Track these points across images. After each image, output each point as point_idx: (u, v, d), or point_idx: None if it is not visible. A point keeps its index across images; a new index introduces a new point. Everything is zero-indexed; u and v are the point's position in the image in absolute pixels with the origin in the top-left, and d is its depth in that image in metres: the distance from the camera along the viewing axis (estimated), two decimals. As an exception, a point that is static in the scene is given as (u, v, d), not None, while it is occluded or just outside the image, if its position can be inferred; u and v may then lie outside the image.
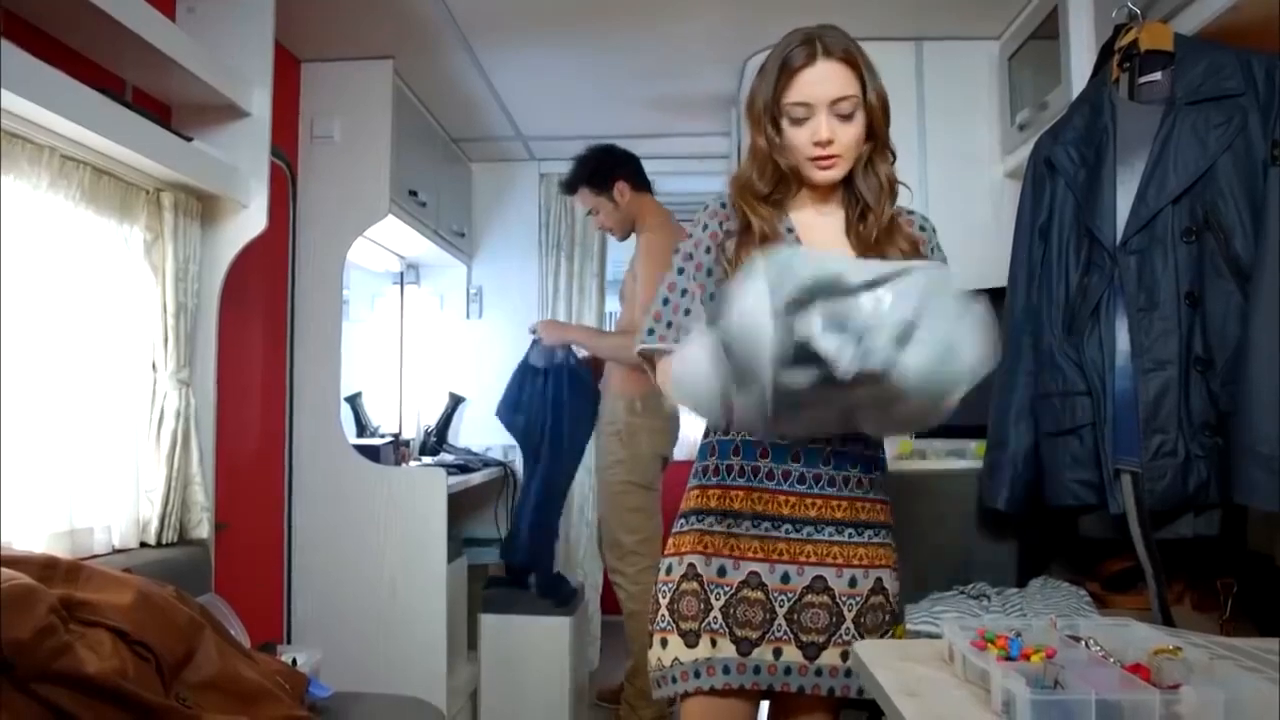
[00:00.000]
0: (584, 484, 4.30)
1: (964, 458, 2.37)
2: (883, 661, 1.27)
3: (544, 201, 4.41)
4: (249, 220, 2.45)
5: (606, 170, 3.33)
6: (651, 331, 1.63)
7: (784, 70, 1.58)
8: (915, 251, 1.64)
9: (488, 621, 3.51)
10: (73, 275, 2.03)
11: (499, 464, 4.12)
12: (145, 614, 1.63)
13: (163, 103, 2.41)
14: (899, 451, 2.55)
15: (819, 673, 1.58)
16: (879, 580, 1.63)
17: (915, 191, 2.97)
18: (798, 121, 1.57)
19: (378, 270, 4.09)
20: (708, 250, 1.65)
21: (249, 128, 2.47)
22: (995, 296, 2.19)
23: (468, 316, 4.41)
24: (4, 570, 1.45)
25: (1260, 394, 1.56)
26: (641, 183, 3.38)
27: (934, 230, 1.74)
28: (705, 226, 1.67)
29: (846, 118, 1.57)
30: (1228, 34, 1.82)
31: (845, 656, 1.57)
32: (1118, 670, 1.08)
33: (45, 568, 1.59)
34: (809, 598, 1.58)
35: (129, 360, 2.21)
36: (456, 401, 4.26)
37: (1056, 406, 1.92)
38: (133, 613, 1.61)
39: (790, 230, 1.64)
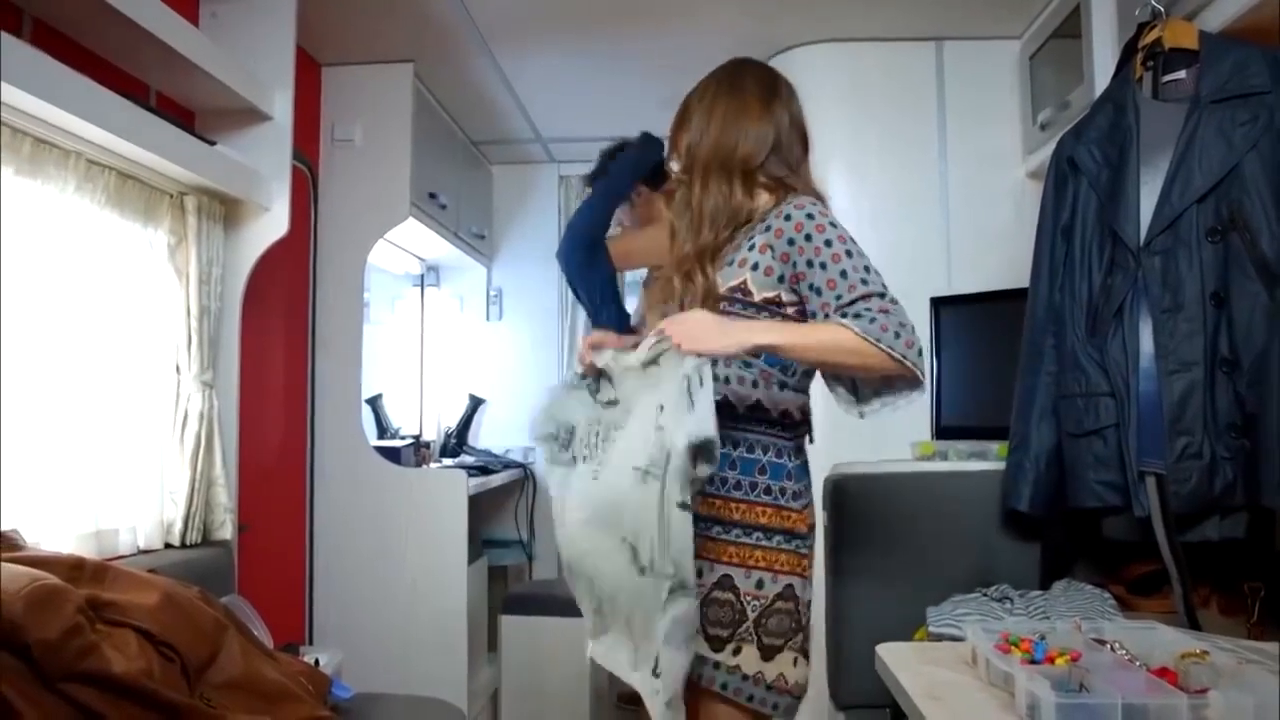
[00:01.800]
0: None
1: (986, 459, 2.35)
2: (906, 664, 1.27)
3: (564, 203, 4.42)
4: (271, 223, 2.47)
5: None
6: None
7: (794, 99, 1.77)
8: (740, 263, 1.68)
9: (508, 623, 3.52)
10: (98, 278, 2.05)
11: (519, 465, 4.13)
12: (170, 615, 1.65)
13: (186, 107, 2.44)
14: (920, 453, 2.54)
15: (716, 666, 1.59)
16: (789, 587, 1.60)
17: (936, 192, 3.01)
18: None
19: (398, 273, 4.10)
20: None
21: (271, 132, 2.49)
22: (1017, 297, 2.18)
23: (488, 318, 4.42)
24: (32, 571, 1.47)
25: (1288, 395, 1.55)
26: (658, 181, 3.34)
27: (801, 214, 1.60)
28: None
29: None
30: (1253, 31, 1.80)
31: (737, 653, 1.58)
32: (1144, 674, 1.07)
33: (72, 568, 1.60)
34: (715, 594, 1.60)
35: (153, 363, 2.23)
36: (476, 403, 4.27)
37: (1079, 407, 1.91)
38: (158, 613, 1.62)
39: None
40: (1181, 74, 1.84)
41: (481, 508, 3.84)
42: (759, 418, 1.64)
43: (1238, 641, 1.37)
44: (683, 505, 1.41)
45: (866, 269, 1.55)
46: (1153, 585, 2.03)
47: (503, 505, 4.17)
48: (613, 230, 3.37)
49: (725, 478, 1.62)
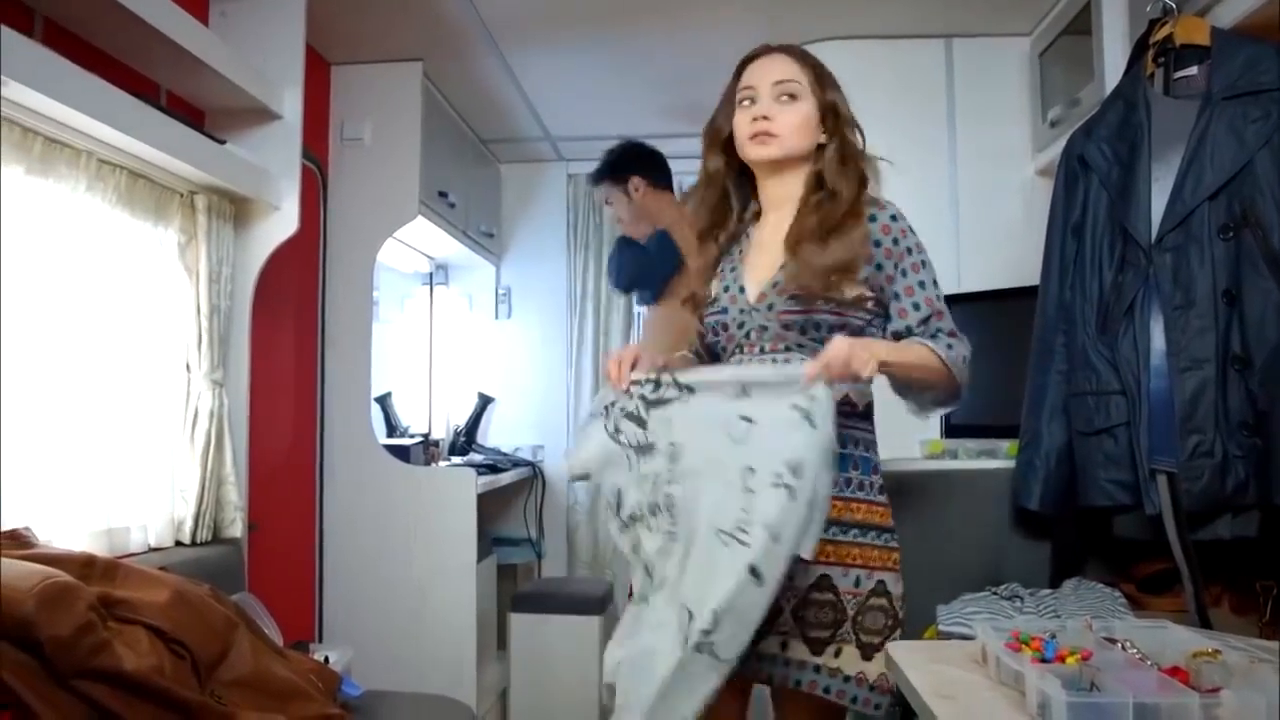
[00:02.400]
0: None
1: (996, 457, 2.35)
2: (916, 663, 1.26)
3: (572, 202, 4.42)
4: (281, 222, 2.47)
5: (624, 165, 3.24)
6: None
7: (740, 68, 1.72)
8: (864, 240, 1.63)
9: (517, 621, 3.52)
10: (109, 277, 2.06)
11: (528, 464, 4.13)
12: (181, 612, 1.65)
13: (196, 106, 2.44)
14: (929, 451, 2.53)
15: (817, 670, 1.55)
16: (881, 583, 1.59)
17: (945, 190, 3.00)
18: (745, 107, 1.68)
19: (407, 271, 4.11)
20: None
21: (280, 130, 2.49)
22: (1027, 295, 2.17)
23: (496, 317, 4.42)
24: (44, 568, 1.47)
25: (1301, 393, 1.54)
26: (661, 181, 3.33)
27: (902, 221, 1.69)
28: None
29: (785, 101, 1.66)
30: (1265, 28, 1.79)
31: (838, 654, 1.55)
32: (1155, 673, 1.07)
33: (84, 566, 1.61)
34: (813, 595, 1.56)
35: (164, 361, 2.24)
36: (485, 401, 4.27)
37: (1090, 405, 1.90)
38: (169, 611, 1.63)
39: (744, 234, 1.76)
40: (1193, 70, 1.83)
41: (490, 506, 3.85)
42: (846, 411, 1.61)
43: (1250, 640, 1.36)
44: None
45: (935, 282, 1.68)
46: (1164, 584, 2.02)
47: (511, 503, 4.18)
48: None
49: None
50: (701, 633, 1.39)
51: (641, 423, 1.57)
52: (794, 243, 1.63)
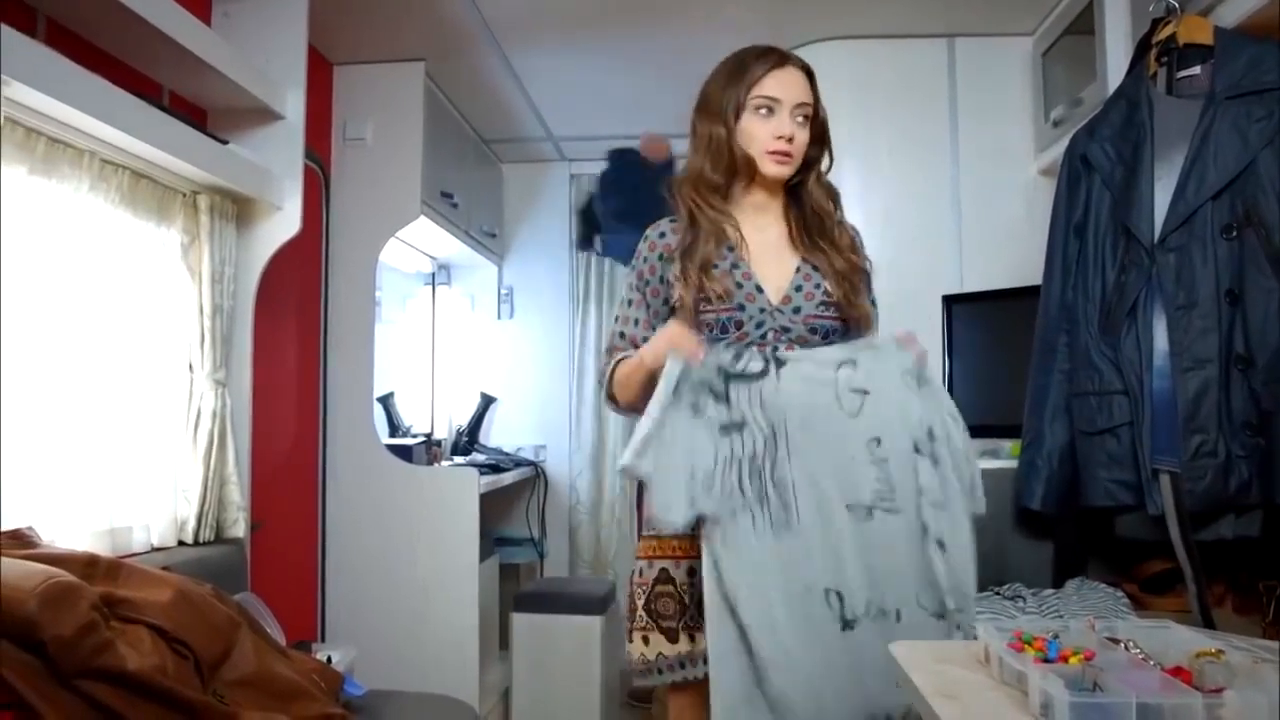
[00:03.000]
0: (614, 484, 4.31)
1: (998, 457, 2.35)
2: (918, 663, 1.26)
3: (575, 202, 4.41)
4: (283, 222, 2.47)
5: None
6: (610, 351, 1.75)
7: (756, 67, 1.69)
8: (854, 251, 1.74)
9: (520, 621, 3.52)
10: (112, 278, 2.06)
11: (530, 464, 4.14)
12: (184, 612, 1.65)
13: (198, 107, 2.44)
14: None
15: None
16: None
17: (948, 190, 3.00)
18: (762, 116, 1.68)
19: (409, 271, 4.11)
20: (646, 283, 1.74)
21: (283, 131, 2.49)
22: (1029, 295, 2.17)
23: (499, 317, 4.43)
24: (47, 568, 1.47)
25: (1304, 393, 1.54)
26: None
27: (857, 232, 1.82)
28: (645, 259, 1.76)
29: (801, 124, 1.69)
30: (1268, 27, 1.79)
31: None
32: (1158, 673, 1.06)
33: (87, 565, 1.61)
34: None
35: (166, 361, 2.24)
36: (488, 401, 4.28)
37: (1093, 405, 1.90)
38: (172, 610, 1.63)
39: (736, 229, 1.71)
40: (1196, 70, 1.83)
41: (492, 506, 3.85)
42: None
43: (1253, 640, 1.36)
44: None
45: None
46: (1166, 584, 2.02)
47: (514, 503, 4.18)
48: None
49: None
50: (956, 612, 1.45)
51: (723, 397, 1.50)
52: (813, 250, 1.71)
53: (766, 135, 1.67)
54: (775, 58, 1.70)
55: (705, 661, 1.59)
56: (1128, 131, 1.92)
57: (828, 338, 1.68)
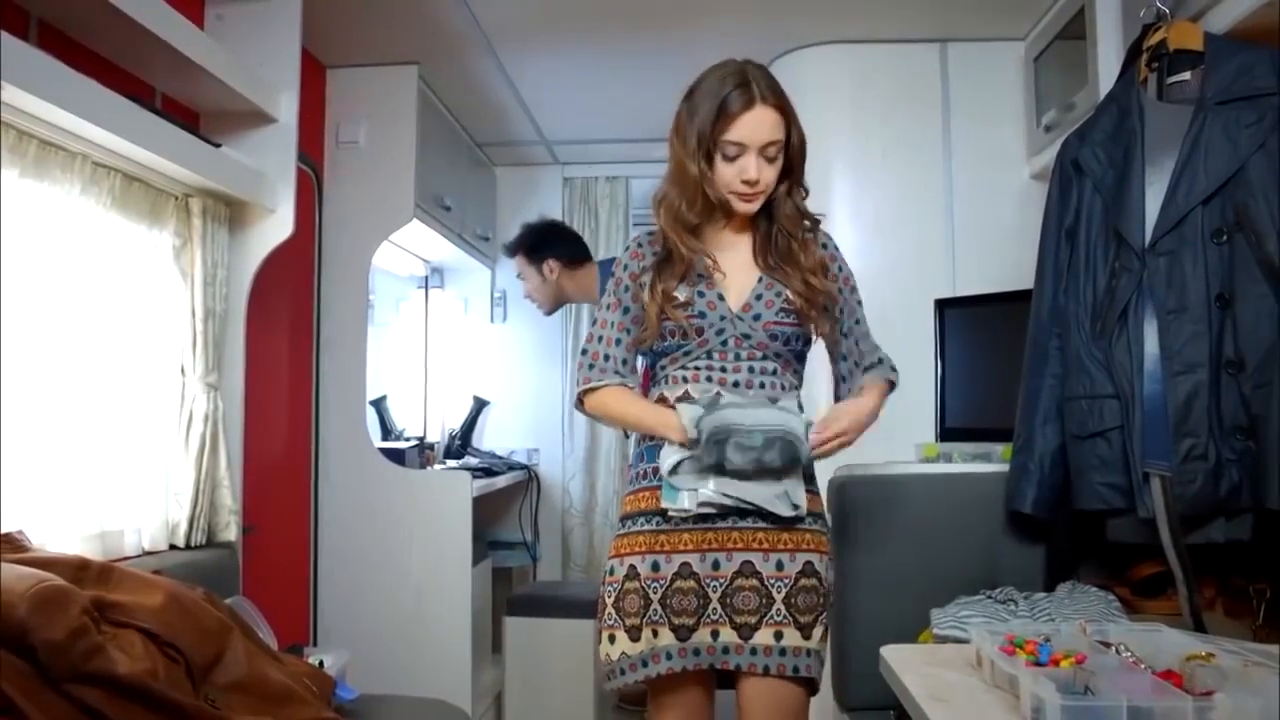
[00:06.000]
0: (607, 488, 4.31)
1: (990, 461, 2.35)
2: (910, 666, 1.26)
3: (568, 205, 4.42)
4: (276, 225, 2.47)
5: (541, 246, 3.37)
6: (593, 366, 1.82)
7: (723, 111, 1.68)
8: (823, 271, 1.78)
9: (512, 624, 3.52)
10: (103, 281, 2.05)
11: (523, 467, 4.13)
12: (175, 616, 1.65)
13: (191, 109, 2.44)
14: (924, 454, 2.54)
15: (754, 651, 1.67)
16: (808, 563, 1.71)
17: (940, 194, 3.01)
18: (729, 159, 1.70)
19: (402, 274, 4.11)
20: (626, 289, 1.81)
21: (276, 134, 2.49)
22: (1021, 299, 2.18)
23: (492, 320, 4.42)
24: (37, 572, 1.47)
25: (1293, 397, 1.54)
26: (577, 257, 3.40)
27: (836, 246, 1.88)
28: (626, 267, 1.82)
29: (771, 160, 1.72)
30: (1258, 33, 1.80)
31: (779, 636, 1.67)
32: (1149, 676, 1.07)
33: (78, 569, 1.61)
34: (739, 581, 1.69)
35: (158, 364, 2.23)
36: (481, 405, 4.27)
37: (1084, 409, 1.91)
38: (163, 614, 1.62)
39: (711, 260, 1.77)
40: (1186, 75, 1.83)
41: (486, 509, 3.84)
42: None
43: (1243, 644, 1.37)
44: None
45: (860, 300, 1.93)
46: (1158, 587, 2.03)
47: (507, 507, 4.17)
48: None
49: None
50: None
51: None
52: (777, 262, 1.77)
53: (733, 177, 1.71)
54: (745, 99, 1.68)
55: (667, 658, 1.68)
56: (1119, 136, 1.93)
57: (789, 344, 1.76)
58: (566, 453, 4.33)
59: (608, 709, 3.70)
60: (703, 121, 1.70)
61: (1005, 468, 2.14)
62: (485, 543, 3.79)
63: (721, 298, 1.74)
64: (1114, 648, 1.20)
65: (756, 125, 1.68)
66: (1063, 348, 1.99)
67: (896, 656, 1.37)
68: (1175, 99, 1.85)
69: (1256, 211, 1.67)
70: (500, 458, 4.10)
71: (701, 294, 1.74)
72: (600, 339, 1.82)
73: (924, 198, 3.01)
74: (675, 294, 1.73)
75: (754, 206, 1.75)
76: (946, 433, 2.69)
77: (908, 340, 2.75)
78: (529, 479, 4.18)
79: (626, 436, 3.55)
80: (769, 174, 1.72)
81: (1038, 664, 1.15)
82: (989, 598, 2.00)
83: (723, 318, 1.73)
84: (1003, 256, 2.82)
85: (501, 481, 3.79)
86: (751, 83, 1.68)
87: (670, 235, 1.76)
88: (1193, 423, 1.72)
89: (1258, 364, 1.67)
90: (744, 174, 1.69)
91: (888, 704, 1.58)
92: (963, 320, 2.75)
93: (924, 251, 2.99)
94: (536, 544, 4.20)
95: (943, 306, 2.79)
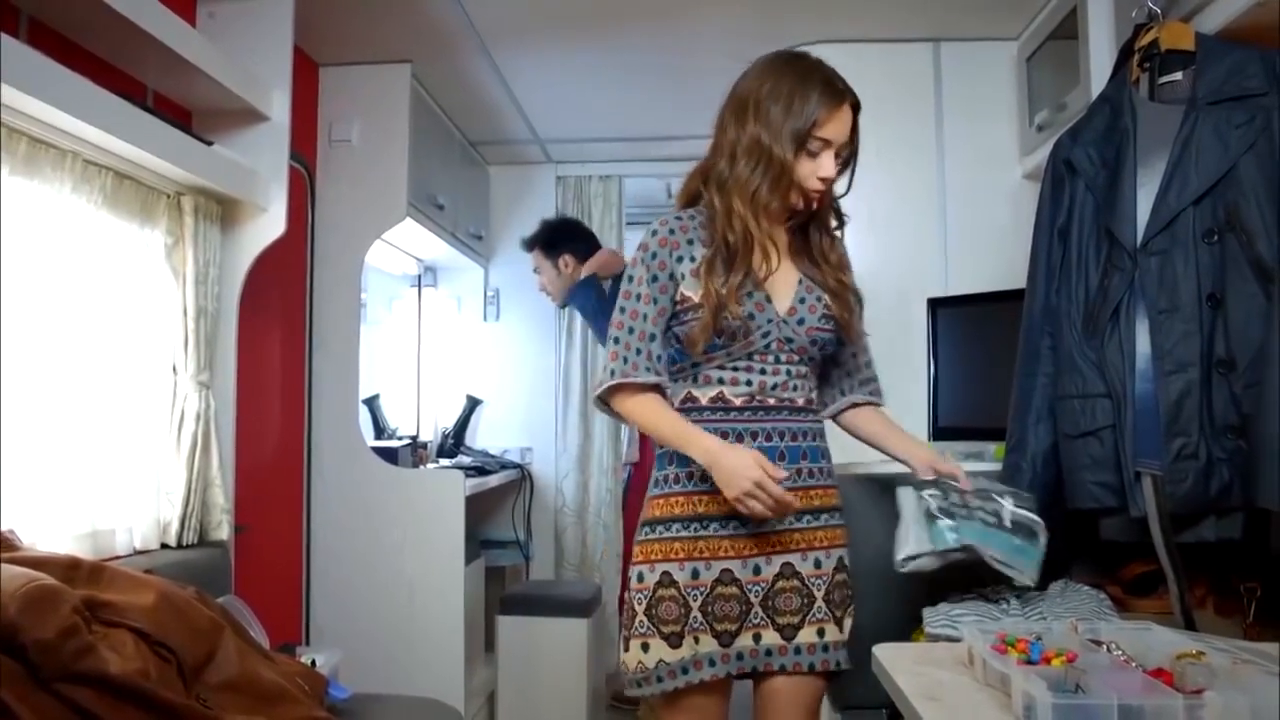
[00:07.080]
0: (601, 487, 4.31)
1: (983, 460, 2.35)
2: (902, 665, 1.27)
3: (561, 204, 4.42)
4: (268, 224, 2.46)
5: (558, 241, 3.58)
6: (625, 360, 1.69)
7: (820, 102, 1.65)
8: (846, 269, 1.80)
9: (505, 623, 3.52)
10: (95, 279, 2.05)
11: (516, 466, 4.13)
12: (166, 615, 1.65)
13: (183, 107, 2.43)
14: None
15: (798, 650, 1.69)
16: (840, 559, 1.75)
17: (933, 193, 3.01)
18: (812, 155, 1.67)
19: (395, 273, 4.10)
20: (655, 279, 1.71)
21: (268, 132, 2.48)
22: (1014, 298, 2.18)
23: (485, 319, 4.42)
24: (28, 571, 1.46)
25: (1284, 396, 1.55)
26: (589, 253, 3.62)
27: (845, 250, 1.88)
28: (655, 255, 1.72)
29: (841, 161, 1.71)
30: (1250, 33, 1.80)
31: (821, 633, 1.70)
32: (1140, 675, 1.07)
33: (69, 569, 1.60)
34: (780, 584, 1.69)
35: (150, 363, 2.22)
36: (474, 403, 4.27)
37: (1076, 408, 1.91)
38: (154, 614, 1.62)
39: (775, 247, 1.73)
40: (1178, 75, 1.84)
41: (479, 508, 3.84)
42: (813, 409, 1.80)
43: (1234, 642, 1.37)
44: None
45: None
46: (1149, 586, 2.03)
47: (500, 506, 4.17)
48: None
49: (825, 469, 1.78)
50: None
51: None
52: (815, 261, 1.76)
53: (810, 175, 1.67)
54: (836, 95, 1.65)
55: (710, 664, 1.65)
56: (1111, 136, 1.93)
57: (824, 349, 1.76)
58: (560, 452, 4.33)
59: (601, 707, 3.70)
60: (796, 111, 1.64)
61: (998, 467, 2.14)
62: (478, 542, 3.79)
63: (769, 300, 1.69)
64: (1105, 646, 1.21)
65: (843, 124, 1.67)
66: (1055, 347, 1.99)
67: (889, 655, 1.37)
68: (1167, 99, 1.85)
69: (1247, 211, 1.68)
70: (493, 456, 4.09)
71: (750, 294, 1.67)
72: (632, 330, 1.69)
73: (917, 197, 3.02)
74: (740, 292, 1.66)
75: (815, 206, 1.73)
76: (939, 431, 2.70)
77: (901, 339, 2.76)
78: (522, 478, 4.17)
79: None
80: (837, 175, 1.70)
81: (1029, 662, 1.15)
82: (981, 596, 2.00)
83: (770, 320, 1.69)
84: (995, 256, 2.82)
85: (494, 480, 3.79)
86: (837, 80, 1.68)
87: (748, 219, 1.66)
88: (1184, 422, 1.72)
89: (1248, 363, 1.67)
90: (822, 171, 1.66)
91: (880, 703, 1.58)
92: (955, 319, 2.76)
93: (917, 251, 2.99)
94: (529, 543, 4.20)
95: (935, 305, 2.79)
